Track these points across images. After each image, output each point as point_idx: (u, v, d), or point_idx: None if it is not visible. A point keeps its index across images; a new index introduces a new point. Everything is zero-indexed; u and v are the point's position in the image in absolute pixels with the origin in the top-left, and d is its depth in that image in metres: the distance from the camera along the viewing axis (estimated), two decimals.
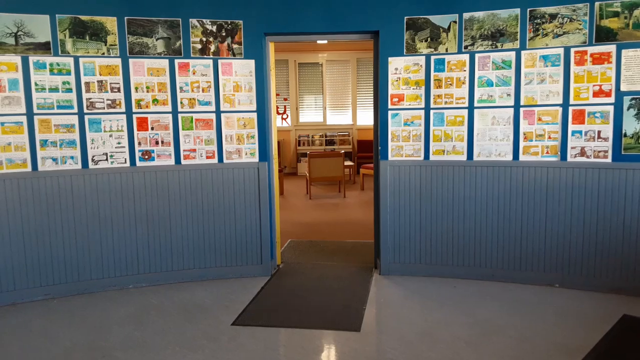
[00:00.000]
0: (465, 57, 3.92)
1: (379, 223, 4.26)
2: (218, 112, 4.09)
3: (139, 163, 3.99)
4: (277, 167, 4.51)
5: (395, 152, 4.13)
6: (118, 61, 3.88)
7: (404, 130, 4.10)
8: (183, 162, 4.07)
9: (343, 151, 8.27)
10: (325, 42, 10.29)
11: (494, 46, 3.86)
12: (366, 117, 11.31)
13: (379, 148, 4.16)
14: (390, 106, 4.10)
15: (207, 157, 4.11)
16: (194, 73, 4.02)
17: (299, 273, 4.36)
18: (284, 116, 11.33)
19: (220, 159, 4.13)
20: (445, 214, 4.07)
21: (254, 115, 4.15)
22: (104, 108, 3.88)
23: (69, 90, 3.80)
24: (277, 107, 11.59)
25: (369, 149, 11.02)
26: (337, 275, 4.27)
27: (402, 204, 4.14)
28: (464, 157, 4.01)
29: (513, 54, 3.83)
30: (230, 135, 4.13)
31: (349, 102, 11.34)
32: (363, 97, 11.28)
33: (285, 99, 11.32)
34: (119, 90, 3.90)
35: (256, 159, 4.18)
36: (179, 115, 4.03)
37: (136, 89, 3.93)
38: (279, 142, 11.93)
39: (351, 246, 5.21)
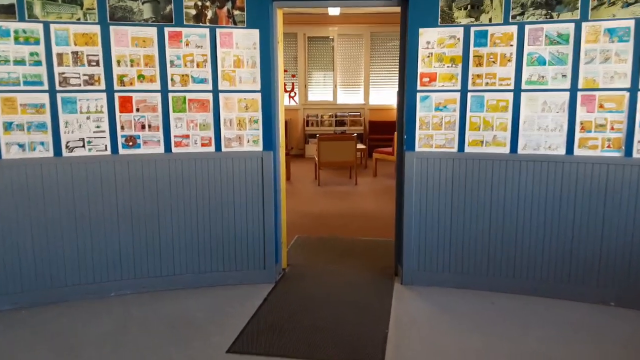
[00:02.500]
0: (513, 29, 3.25)
1: (401, 224, 3.65)
2: (215, 92, 3.46)
3: (121, 150, 3.38)
4: (284, 153, 3.89)
5: (424, 141, 3.50)
6: (96, 29, 3.24)
7: (435, 116, 3.46)
8: (174, 149, 3.46)
9: (355, 134, 7.63)
10: (338, 13, 9.56)
11: (548, 16, 3.18)
12: (379, 97, 10.62)
13: (404, 137, 3.53)
14: (419, 87, 3.45)
15: (203, 145, 3.50)
16: (187, 44, 3.38)
17: (308, 280, 3.78)
18: (292, 94, 10.66)
19: (218, 147, 3.52)
20: (481, 216, 3.46)
21: (258, 95, 3.52)
22: (79, 85, 3.26)
23: (38, 62, 3.17)
24: (285, 85, 10.90)
25: (381, 131, 10.38)
26: (352, 284, 3.69)
27: (430, 202, 3.53)
28: (506, 150, 3.37)
29: (572, 26, 3.15)
30: (230, 119, 3.51)
31: (361, 80, 10.63)
32: (377, 75, 10.56)
33: (293, 76, 10.62)
34: (97, 64, 3.27)
35: (260, 147, 3.56)
36: (170, 95, 3.41)
37: (118, 62, 3.30)
38: (285, 122, 11.27)
39: (366, 245, 4.62)
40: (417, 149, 3.51)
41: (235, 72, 3.47)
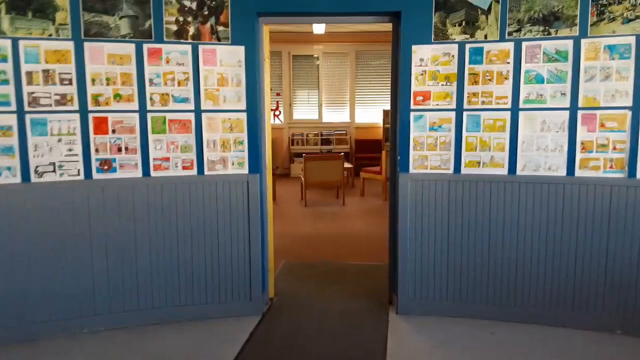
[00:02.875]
0: (510, 46, 3.13)
1: (395, 249, 3.46)
2: (198, 112, 3.26)
3: (96, 175, 3.15)
4: (271, 175, 3.69)
5: (418, 163, 3.33)
6: (70, 45, 3.03)
7: (430, 136, 3.30)
8: (153, 173, 3.24)
9: (343, 153, 7.47)
10: (323, 32, 9.47)
11: (546, 32, 3.07)
12: (365, 115, 10.51)
13: (398, 158, 3.36)
14: (412, 106, 3.29)
15: (184, 168, 3.28)
16: (167, 62, 3.19)
17: (296, 310, 3.55)
18: (276, 112, 10.50)
19: (201, 170, 3.31)
20: (479, 240, 3.29)
21: (244, 115, 3.32)
22: (51, 105, 3.03)
23: (5, 82, 2.94)
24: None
25: (368, 150, 10.25)
26: (344, 313, 3.47)
27: (425, 227, 3.35)
28: (504, 171, 3.22)
29: (570, 42, 3.04)
30: (214, 140, 3.30)
31: (346, 99, 10.52)
32: (362, 94, 10.46)
33: (278, 94, 10.48)
34: (70, 83, 3.05)
35: (245, 170, 3.35)
36: (148, 115, 3.19)
37: (93, 81, 3.09)
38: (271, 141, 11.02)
39: (357, 270, 4.41)
40: (411, 170, 3.34)
41: (219, 90, 3.28)
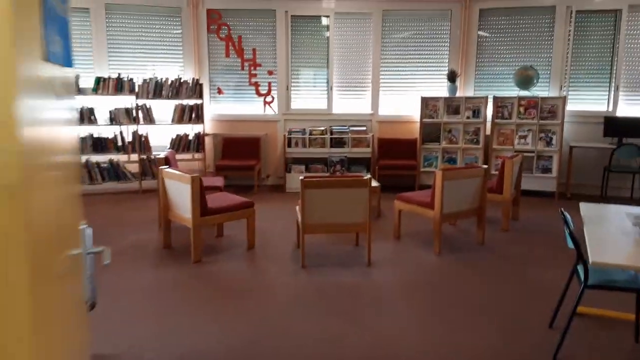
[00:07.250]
0: None
1: None
2: None
3: None
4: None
5: None
6: None
7: None
8: None
9: (369, 176, 4.38)
10: None
11: None
12: (394, 105, 7.41)
13: None
14: None
15: None
16: None
17: None
18: (268, 99, 7.43)
19: None
20: None
21: None
22: None
23: None
24: (258, 86, 7.64)
25: (397, 154, 7.20)
26: None
27: None
28: None
29: None
30: None
31: (368, 80, 7.41)
32: (391, 73, 7.34)
33: (271, 73, 7.39)
34: None
35: None
36: None
37: None
38: (259, 140, 7.82)
39: None
40: None
41: None
